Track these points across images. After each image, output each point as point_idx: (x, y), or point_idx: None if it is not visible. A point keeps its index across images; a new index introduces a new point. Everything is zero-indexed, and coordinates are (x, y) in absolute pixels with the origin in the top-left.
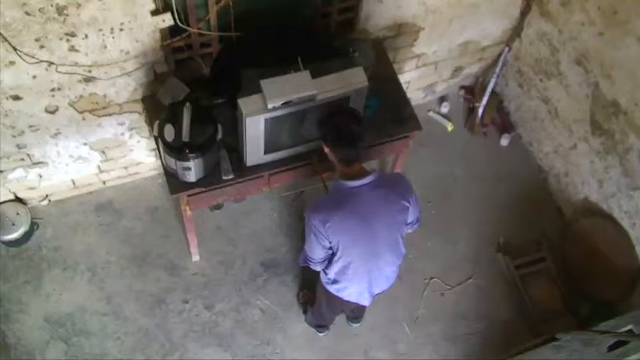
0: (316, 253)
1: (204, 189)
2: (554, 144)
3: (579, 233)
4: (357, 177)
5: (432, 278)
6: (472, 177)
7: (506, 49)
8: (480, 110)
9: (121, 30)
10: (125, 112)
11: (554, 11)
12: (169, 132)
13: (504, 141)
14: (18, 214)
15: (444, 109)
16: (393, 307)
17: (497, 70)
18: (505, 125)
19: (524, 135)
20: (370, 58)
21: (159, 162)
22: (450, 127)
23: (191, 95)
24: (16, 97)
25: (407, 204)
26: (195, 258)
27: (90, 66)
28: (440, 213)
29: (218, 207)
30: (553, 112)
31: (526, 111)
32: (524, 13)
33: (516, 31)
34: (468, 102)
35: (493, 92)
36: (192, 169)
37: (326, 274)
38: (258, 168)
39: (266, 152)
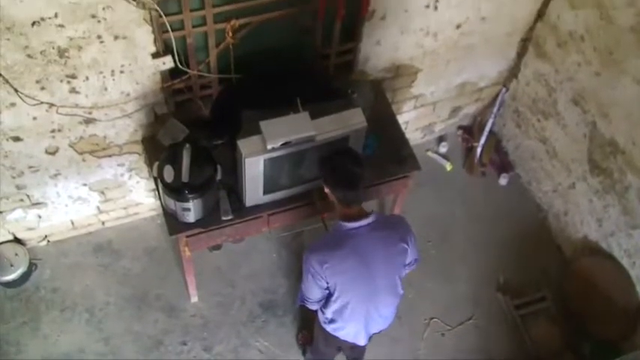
0: (313, 293)
1: (203, 230)
2: (553, 183)
3: (579, 272)
4: (356, 218)
5: (432, 318)
6: (471, 216)
7: (504, 89)
8: (479, 150)
9: (122, 72)
10: (125, 154)
11: (551, 52)
12: (169, 173)
13: (503, 180)
14: (16, 254)
15: (443, 148)
16: (393, 348)
17: (495, 110)
18: (504, 165)
19: (523, 174)
20: (369, 99)
21: (158, 203)
22: (448, 166)
23: (191, 136)
24: (17, 139)
25: (406, 246)
26: (194, 299)
27: (90, 108)
28: (439, 253)
29: (217, 247)
30: (551, 152)
31: (524, 151)
32: (521, 54)
33: (513, 72)
34: (467, 142)
35: (491, 132)
36: (191, 210)
37: (323, 313)
38: (258, 208)
39: (265, 193)
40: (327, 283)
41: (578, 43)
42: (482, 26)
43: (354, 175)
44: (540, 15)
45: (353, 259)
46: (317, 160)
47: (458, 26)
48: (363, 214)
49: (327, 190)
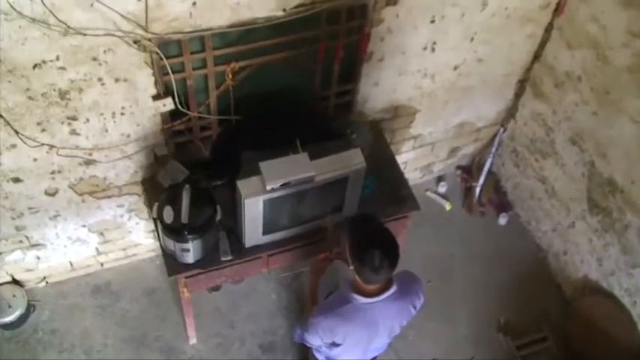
0: (315, 342)
1: (202, 270)
2: (552, 222)
3: (580, 311)
4: (373, 294)
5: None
6: (471, 256)
7: (502, 129)
8: (478, 190)
9: (123, 114)
10: (125, 195)
11: (548, 92)
12: (168, 214)
13: (502, 220)
14: (14, 296)
15: (442, 188)
16: None
17: (493, 150)
18: (503, 204)
19: (522, 214)
20: (368, 140)
21: (157, 243)
22: (448, 206)
23: (190, 177)
24: (17, 180)
25: (414, 310)
26: (193, 340)
27: (91, 149)
28: (440, 293)
29: (216, 288)
30: (550, 191)
31: (523, 190)
32: (519, 94)
33: (511, 112)
34: (465, 182)
35: (490, 172)
36: (190, 251)
37: (320, 352)
38: (257, 249)
39: (264, 233)
40: (334, 342)
41: (575, 83)
42: (479, 68)
43: (386, 264)
44: (537, 56)
45: (362, 329)
46: (349, 222)
47: (455, 68)
48: (385, 287)
49: (351, 267)
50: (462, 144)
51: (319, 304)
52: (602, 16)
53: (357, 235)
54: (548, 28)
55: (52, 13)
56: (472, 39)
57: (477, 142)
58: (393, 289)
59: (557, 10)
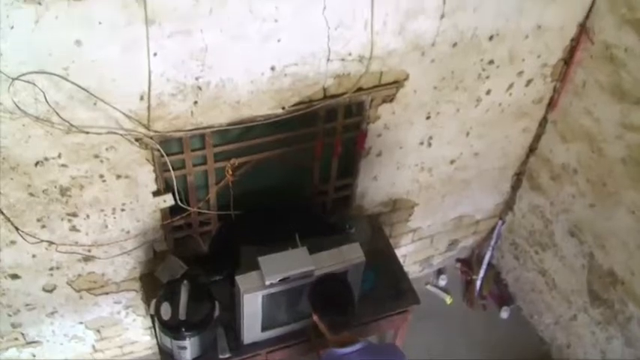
0: None
1: None
2: (554, 315)
3: None
4: (347, 344)
5: None
6: (473, 351)
7: (500, 222)
8: (478, 283)
9: (123, 210)
10: (122, 291)
11: (545, 185)
12: (166, 310)
13: (504, 314)
14: None
15: (442, 281)
16: None
17: (493, 242)
18: (504, 297)
19: (523, 307)
20: (366, 234)
21: (154, 341)
22: (448, 300)
23: (189, 273)
24: (15, 276)
25: None
26: None
27: (90, 245)
28: None
29: None
30: (551, 284)
31: (524, 283)
32: (515, 187)
33: (509, 205)
34: (466, 275)
35: (490, 264)
36: (188, 348)
37: None
38: (256, 346)
39: (263, 329)
40: None
41: (572, 175)
42: (475, 161)
43: (341, 300)
44: (532, 149)
45: None
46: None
47: (452, 162)
48: (353, 340)
49: (315, 317)
50: (461, 237)
51: None
52: (595, 109)
53: (313, 292)
54: (543, 122)
55: (56, 112)
56: (468, 133)
57: (476, 235)
58: (363, 343)
59: (551, 105)
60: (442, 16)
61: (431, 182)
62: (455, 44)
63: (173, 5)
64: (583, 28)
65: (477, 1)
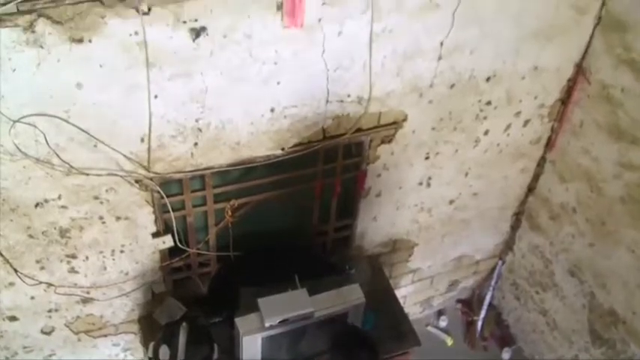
0: None
1: None
2: (556, 355)
3: None
4: None
5: None
6: None
7: (500, 262)
8: (479, 324)
9: (122, 252)
10: (121, 333)
11: (544, 224)
12: (164, 353)
13: (506, 355)
14: None
15: (443, 322)
16: None
17: (493, 283)
18: (505, 338)
19: (525, 348)
20: (366, 274)
21: None
22: (449, 341)
23: (188, 315)
24: (13, 318)
25: None
26: None
27: (89, 287)
28: None
29: None
30: (552, 324)
31: (525, 323)
32: (515, 227)
33: (508, 245)
34: (466, 316)
35: (491, 305)
36: None
37: None
38: None
39: None
40: None
41: (571, 215)
42: (474, 201)
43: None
44: (531, 189)
45: None
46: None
47: (451, 202)
48: None
49: None
50: (461, 277)
51: None
52: (593, 148)
53: (335, 349)
54: (541, 162)
55: (57, 154)
56: (466, 174)
57: (477, 275)
58: None
59: (549, 145)
60: (439, 58)
61: (430, 222)
62: (452, 85)
63: (174, 48)
64: (580, 69)
65: (474, 43)
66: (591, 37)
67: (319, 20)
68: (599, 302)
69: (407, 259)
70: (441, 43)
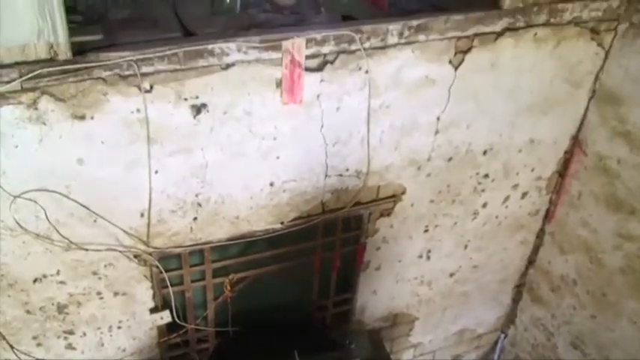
0: None
1: None
2: None
3: None
4: None
5: None
6: None
7: (502, 335)
8: None
9: (120, 328)
10: None
11: (545, 297)
12: None
13: None
14: None
15: None
16: None
17: (496, 357)
18: None
19: None
20: (367, 350)
21: None
22: None
23: None
24: None
25: None
26: None
27: None
28: None
29: None
30: None
31: None
32: (516, 299)
33: (510, 318)
34: None
35: None
36: None
37: None
38: None
39: None
40: None
41: (571, 286)
42: (474, 274)
43: None
44: (531, 261)
45: None
46: None
47: (451, 275)
48: None
49: None
50: (463, 351)
51: None
52: (591, 219)
53: None
54: (540, 234)
55: (56, 229)
56: (466, 246)
57: (479, 350)
58: None
59: (548, 217)
60: (436, 132)
61: (431, 296)
62: (450, 159)
63: (175, 124)
64: (576, 141)
65: (470, 117)
66: (586, 110)
67: (318, 96)
68: None
69: (408, 334)
70: (438, 118)
